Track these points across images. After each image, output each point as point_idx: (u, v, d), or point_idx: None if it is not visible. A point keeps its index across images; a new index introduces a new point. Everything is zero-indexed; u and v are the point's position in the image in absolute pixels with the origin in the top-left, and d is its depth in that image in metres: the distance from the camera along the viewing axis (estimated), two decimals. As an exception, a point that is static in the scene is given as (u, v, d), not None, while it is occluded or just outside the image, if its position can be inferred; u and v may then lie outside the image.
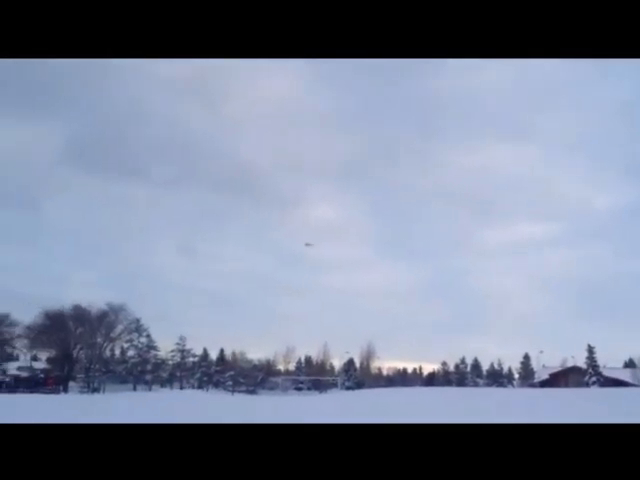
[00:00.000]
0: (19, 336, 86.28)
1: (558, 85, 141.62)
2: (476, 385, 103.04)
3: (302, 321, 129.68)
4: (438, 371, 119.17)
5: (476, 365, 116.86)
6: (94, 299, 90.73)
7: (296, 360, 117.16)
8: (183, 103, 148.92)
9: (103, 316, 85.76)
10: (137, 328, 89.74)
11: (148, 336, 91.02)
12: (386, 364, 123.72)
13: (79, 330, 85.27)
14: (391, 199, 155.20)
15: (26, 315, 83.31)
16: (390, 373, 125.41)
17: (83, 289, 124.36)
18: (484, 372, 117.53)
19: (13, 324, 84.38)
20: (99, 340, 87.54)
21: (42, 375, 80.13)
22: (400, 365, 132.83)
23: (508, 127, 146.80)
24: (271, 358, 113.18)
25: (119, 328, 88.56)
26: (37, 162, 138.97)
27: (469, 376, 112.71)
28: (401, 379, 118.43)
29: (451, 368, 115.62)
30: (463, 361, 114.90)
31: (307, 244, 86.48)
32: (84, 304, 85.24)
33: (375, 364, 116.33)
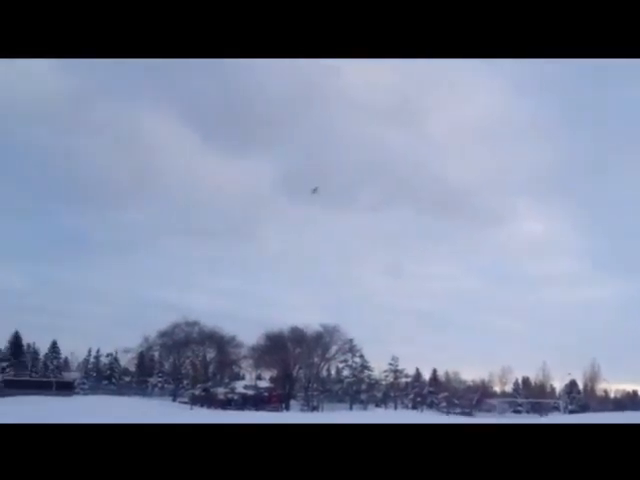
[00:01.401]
0: (245, 357, 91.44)
1: None
2: None
3: (517, 340, 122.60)
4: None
5: None
6: (310, 321, 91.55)
7: (513, 381, 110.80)
8: (384, 125, 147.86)
9: (318, 337, 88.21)
10: (351, 349, 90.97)
11: (362, 356, 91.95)
12: (613, 386, 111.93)
13: (297, 351, 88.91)
14: (604, 210, 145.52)
15: (250, 337, 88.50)
16: (618, 396, 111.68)
17: (299, 311, 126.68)
18: None
19: (239, 345, 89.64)
20: (316, 360, 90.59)
21: (266, 393, 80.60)
22: (630, 388, 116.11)
23: None
24: (486, 379, 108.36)
25: (334, 349, 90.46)
26: (254, 193, 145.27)
27: None
28: (631, 403, 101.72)
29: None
30: None
31: (314, 190, 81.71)
32: (301, 326, 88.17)
33: (600, 386, 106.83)
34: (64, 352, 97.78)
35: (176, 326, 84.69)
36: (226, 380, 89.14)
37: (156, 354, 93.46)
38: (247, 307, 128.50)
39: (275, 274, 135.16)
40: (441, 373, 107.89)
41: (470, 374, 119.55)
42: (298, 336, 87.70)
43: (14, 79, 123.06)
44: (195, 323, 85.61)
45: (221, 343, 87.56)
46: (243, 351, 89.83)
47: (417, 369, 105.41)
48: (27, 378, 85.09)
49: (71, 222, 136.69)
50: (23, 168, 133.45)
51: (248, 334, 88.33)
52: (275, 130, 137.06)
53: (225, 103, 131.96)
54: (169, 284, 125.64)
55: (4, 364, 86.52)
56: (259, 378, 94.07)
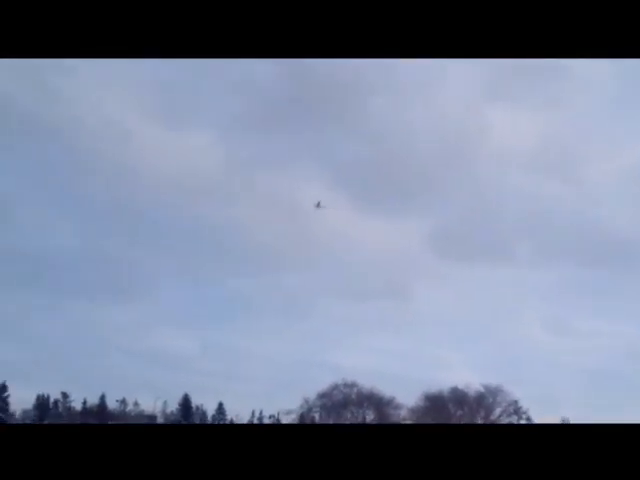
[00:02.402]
0: (404, 418, 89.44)
1: None
2: None
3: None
4: None
5: None
6: (470, 381, 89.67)
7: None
8: (538, 176, 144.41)
9: (481, 398, 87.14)
10: (516, 410, 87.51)
11: (528, 419, 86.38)
12: None
13: (459, 412, 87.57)
14: None
15: (409, 398, 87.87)
16: None
17: (459, 371, 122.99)
18: None
19: (398, 407, 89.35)
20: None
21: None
22: None
23: None
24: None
25: (498, 410, 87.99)
26: (408, 252, 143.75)
27: None
28: None
29: None
30: None
31: (317, 205, 79.01)
32: (461, 386, 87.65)
33: None
34: (229, 413, 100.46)
35: (335, 387, 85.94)
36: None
37: (316, 415, 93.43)
38: (405, 367, 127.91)
39: (433, 333, 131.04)
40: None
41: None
42: (459, 397, 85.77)
43: (182, 153, 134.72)
44: (353, 384, 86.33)
45: (380, 404, 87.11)
46: (402, 412, 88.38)
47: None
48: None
49: (236, 288, 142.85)
50: (191, 238, 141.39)
51: (407, 395, 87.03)
52: (426, 189, 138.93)
53: (374, 165, 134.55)
54: (328, 345, 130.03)
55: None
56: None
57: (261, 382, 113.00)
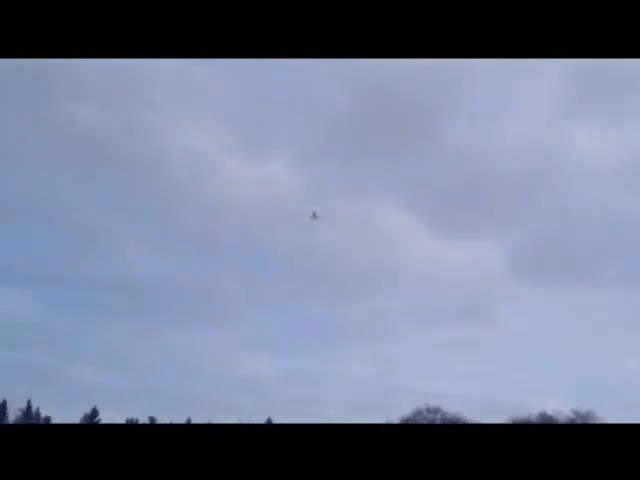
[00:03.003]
0: None
1: None
2: None
3: None
4: None
5: None
6: (560, 406, 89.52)
7: None
8: (624, 192, 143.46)
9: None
10: None
11: None
12: None
13: None
14: None
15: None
16: None
17: (547, 396, 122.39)
18: None
19: None
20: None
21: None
22: None
23: None
24: None
25: None
26: (488, 275, 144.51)
27: None
28: None
29: None
30: None
31: (313, 216, 77.64)
32: (550, 412, 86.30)
33: None
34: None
35: (418, 412, 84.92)
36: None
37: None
38: (491, 391, 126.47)
39: (519, 356, 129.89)
40: None
41: None
42: (548, 423, 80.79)
43: (262, 181, 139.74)
44: (437, 409, 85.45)
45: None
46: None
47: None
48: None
49: (318, 313, 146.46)
50: (273, 265, 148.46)
51: (493, 420, 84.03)
52: (508, 208, 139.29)
53: (453, 187, 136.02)
54: (411, 369, 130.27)
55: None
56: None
57: (344, 407, 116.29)
